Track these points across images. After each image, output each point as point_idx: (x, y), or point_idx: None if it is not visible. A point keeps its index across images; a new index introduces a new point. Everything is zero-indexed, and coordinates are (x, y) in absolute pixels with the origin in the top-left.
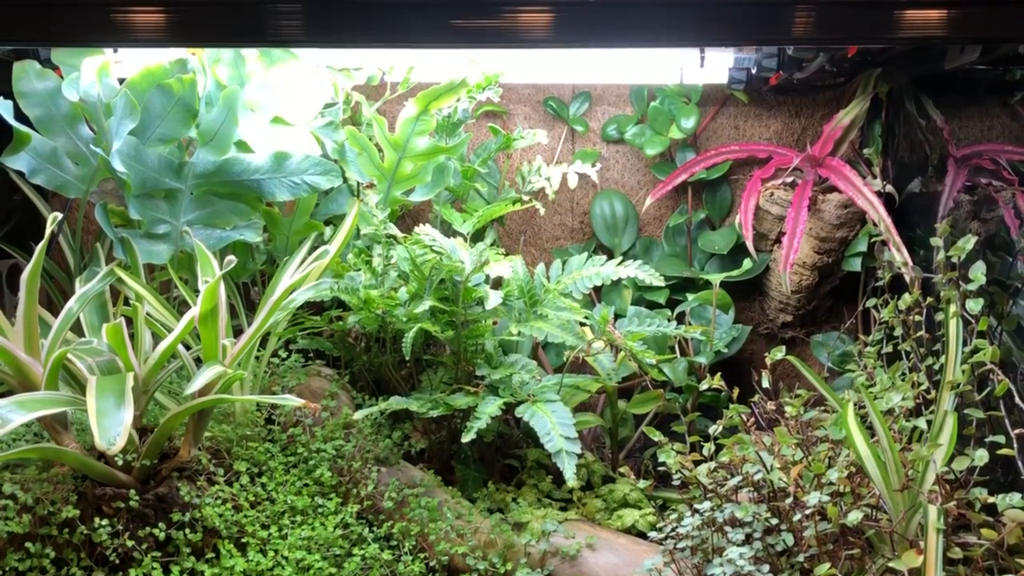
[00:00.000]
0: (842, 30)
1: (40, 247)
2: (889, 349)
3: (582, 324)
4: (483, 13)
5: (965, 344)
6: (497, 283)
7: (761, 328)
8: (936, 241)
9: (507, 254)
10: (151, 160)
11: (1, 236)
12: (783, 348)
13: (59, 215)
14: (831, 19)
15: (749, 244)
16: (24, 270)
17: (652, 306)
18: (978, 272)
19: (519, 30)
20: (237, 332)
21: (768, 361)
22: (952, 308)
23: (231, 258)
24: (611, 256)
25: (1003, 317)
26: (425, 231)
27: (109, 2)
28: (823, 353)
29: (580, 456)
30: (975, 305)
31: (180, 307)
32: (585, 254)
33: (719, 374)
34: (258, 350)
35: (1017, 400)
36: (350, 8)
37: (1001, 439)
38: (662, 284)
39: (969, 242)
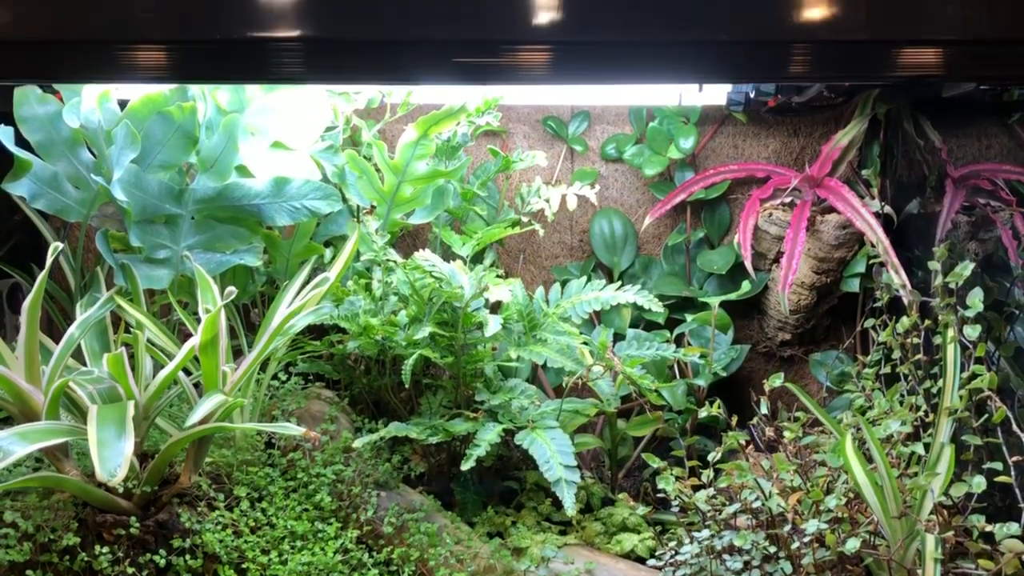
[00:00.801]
0: (840, 68)
1: (41, 277)
2: (887, 370)
3: (584, 343)
4: (484, 52)
5: (963, 369)
6: (496, 305)
7: (760, 346)
8: (934, 265)
9: (507, 274)
10: (152, 187)
11: (1, 256)
12: (781, 375)
13: (60, 245)
14: (829, 57)
15: (748, 264)
16: (25, 299)
17: (651, 326)
18: (976, 299)
19: (519, 68)
20: (237, 353)
21: (767, 387)
22: (950, 333)
23: (231, 289)
24: (610, 274)
25: (1001, 343)
26: (424, 256)
27: (112, 41)
28: (822, 372)
29: (580, 478)
30: (972, 332)
31: (180, 328)
32: (584, 278)
33: (718, 402)
34: (258, 373)
35: (1015, 427)
36: (350, 47)
37: (999, 466)
38: (661, 310)
39: (967, 268)
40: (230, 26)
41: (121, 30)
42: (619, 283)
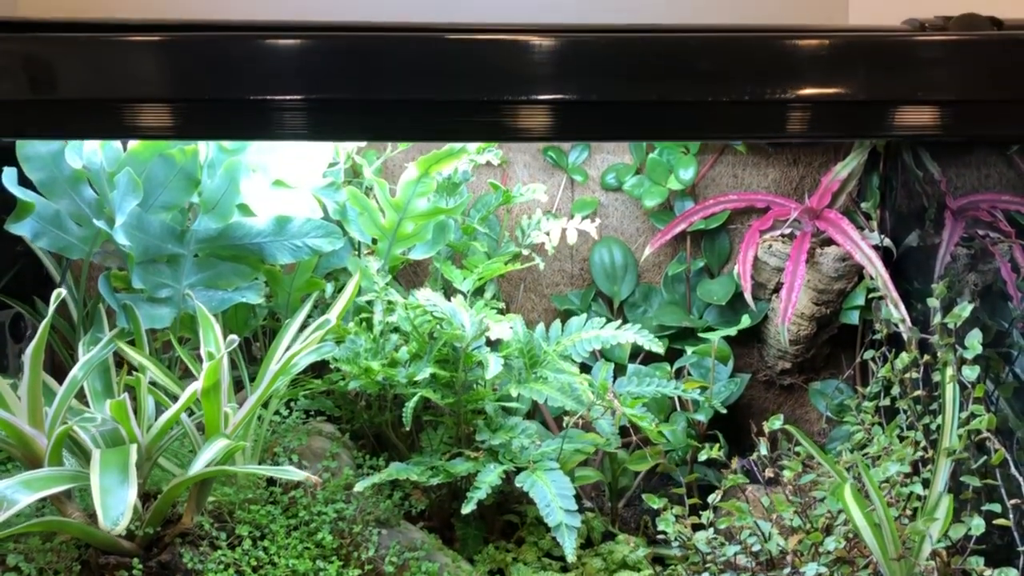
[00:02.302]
0: (837, 127)
1: (44, 324)
2: (887, 402)
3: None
4: (484, 111)
5: (962, 409)
6: (497, 340)
7: (760, 375)
8: (933, 302)
9: (507, 303)
10: (154, 228)
11: (4, 286)
12: (781, 417)
13: (63, 291)
14: (826, 117)
15: (747, 296)
16: (29, 345)
17: (652, 356)
18: (974, 341)
19: (519, 126)
20: (238, 384)
21: (766, 428)
22: (948, 372)
23: (233, 338)
24: (611, 303)
25: (1000, 382)
26: (426, 296)
27: (115, 99)
28: (821, 402)
29: (580, 522)
30: (971, 372)
31: (180, 362)
32: (584, 316)
33: (717, 444)
34: (260, 409)
35: (1013, 470)
36: (351, 106)
37: (997, 508)
38: (661, 350)
39: (965, 310)
40: (231, 86)
41: (123, 88)
42: (619, 321)
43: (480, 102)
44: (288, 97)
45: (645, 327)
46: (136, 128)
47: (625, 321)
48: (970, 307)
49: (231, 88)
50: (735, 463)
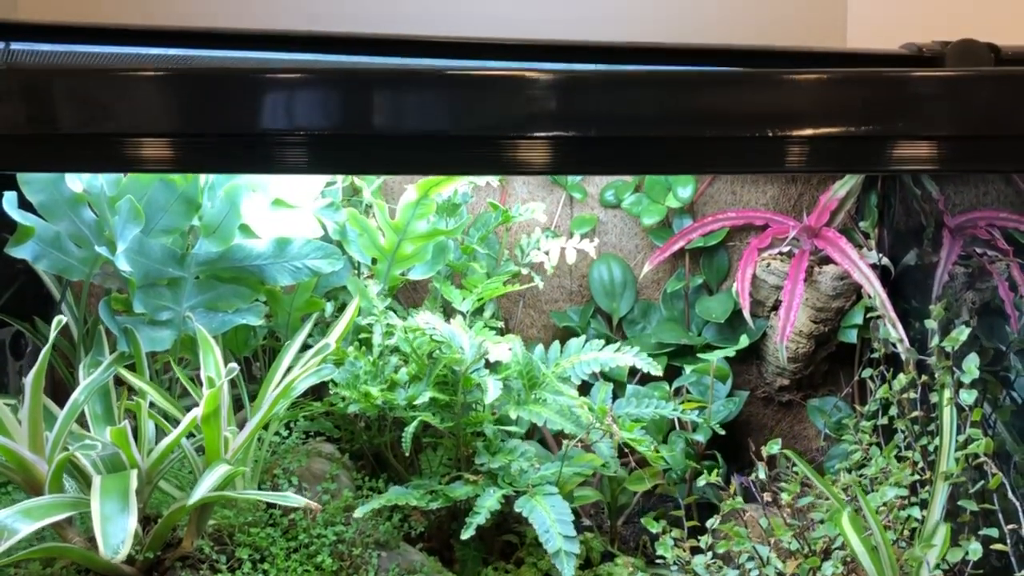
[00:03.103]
0: (834, 161)
1: (45, 351)
2: (885, 421)
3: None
4: (484, 145)
5: (959, 432)
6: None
7: (758, 391)
8: (930, 324)
9: (507, 321)
10: (154, 252)
11: (3, 304)
12: (779, 441)
13: (63, 318)
14: (824, 152)
15: (746, 314)
16: (29, 374)
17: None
18: (971, 365)
19: (518, 161)
20: (237, 403)
21: (764, 453)
22: (946, 395)
23: (233, 366)
24: (610, 320)
25: (997, 405)
26: (425, 320)
27: (118, 133)
28: (819, 419)
29: (578, 547)
30: (969, 397)
31: (181, 384)
32: (583, 337)
33: (716, 470)
34: (260, 431)
35: (1010, 495)
36: (353, 141)
37: (995, 532)
38: (660, 373)
39: (963, 333)
40: (233, 120)
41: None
42: (618, 344)
43: (480, 137)
44: (290, 131)
45: (644, 344)
46: (137, 162)
47: (624, 338)
48: (967, 331)
49: (233, 122)
50: (734, 482)
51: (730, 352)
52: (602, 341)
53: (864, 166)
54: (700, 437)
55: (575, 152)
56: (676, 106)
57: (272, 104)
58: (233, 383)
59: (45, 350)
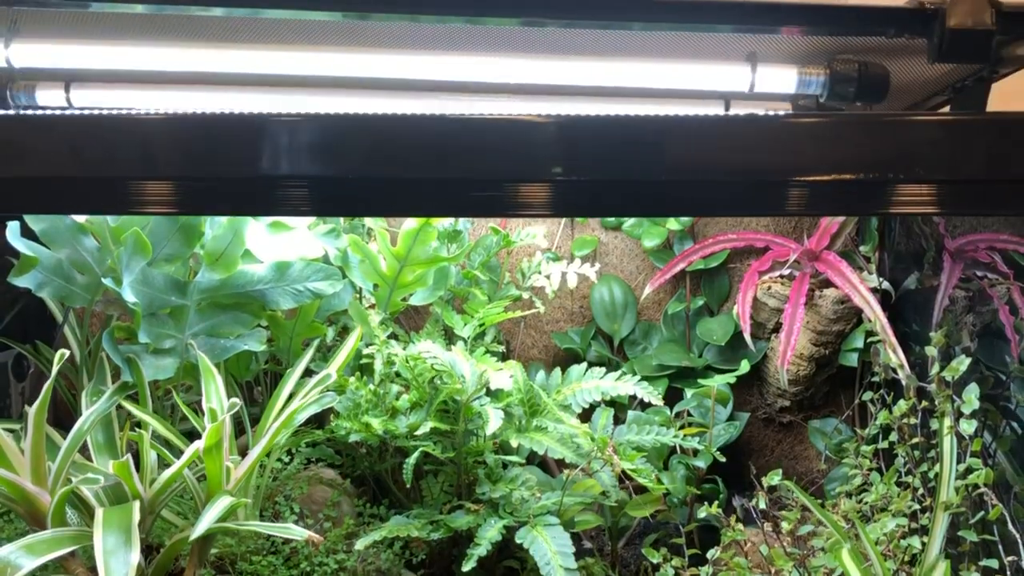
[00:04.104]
0: (833, 205)
1: (48, 385)
2: (885, 444)
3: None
4: (484, 189)
5: (959, 460)
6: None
7: (759, 412)
8: (931, 351)
9: (508, 342)
10: (158, 281)
11: (6, 325)
12: (779, 472)
13: (66, 352)
14: (822, 196)
15: (747, 337)
16: (32, 407)
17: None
18: (971, 396)
19: (519, 203)
20: (238, 426)
21: (764, 484)
22: (946, 423)
23: (235, 400)
24: (611, 341)
25: (997, 435)
26: (426, 348)
27: (120, 177)
28: (820, 440)
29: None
30: (968, 427)
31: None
32: (584, 365)
33: (716, 503)
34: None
35: (1010, 526)
36: (353, 185)
37: (995, 563)
38: (660, 403)
39: (963, 363)
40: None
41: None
42: (619, 372)
43: (479, 181)
44: (291, 175)
45: (645, 365)
46: (140, 204)
47: (625, 358)
48: (967, 361)
49: (235, 167)
50: (735, 505)
51: (731, 379)
52: (603, 369)
53: (863, 209)
54: (701, 463)
55: (574, 195)
56: (673, 152)
57: (272, 149)
58: None
59: (48, 384)
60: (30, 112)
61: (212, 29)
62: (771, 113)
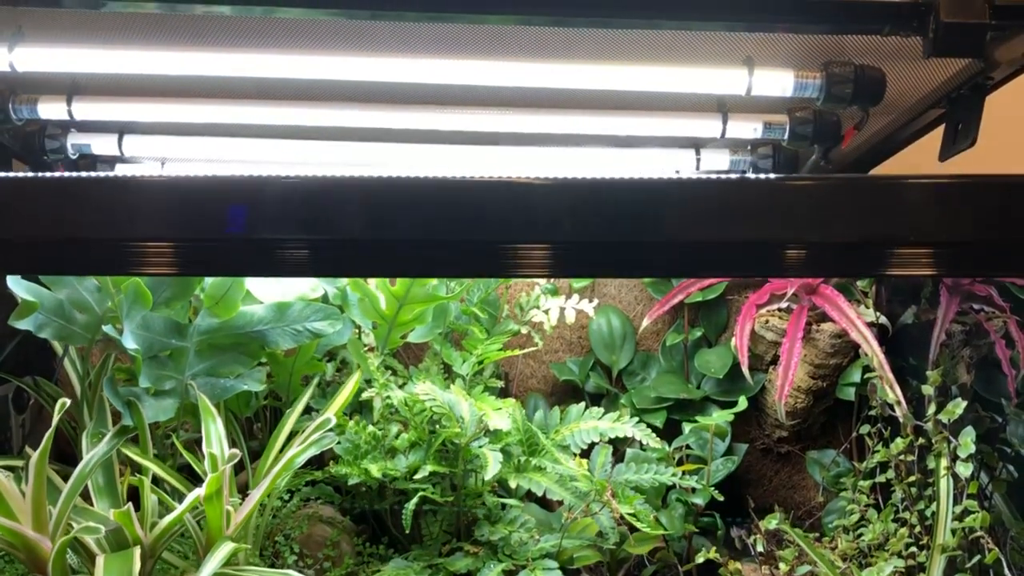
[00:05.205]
0: (832, 266)
1: (48, 434)
2: (882, 479)
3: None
4: (483, 251)
5: (956, 501)
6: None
7: (757, 443)
8: (927, 390)
9: (507, 374)
10: (158, 325)
11: (6, 358)
12: (777, 516)
13: (67, 401)
14: (821, 257)
15: (744, 370)
16: (33, 456)
17: (648, 429)
18: (967, 439)
19: (519, 263)
20: (237, 464)
21: (762, 527)
22: (943, 464)
23: (235, 451)
24: (609, 372)
25: (994, 476)
26: (424, 390)
27: (122, 238)
28: (817, 471)
29: None
30: (965, 470)
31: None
32: (583, 404)
33: (714, 548)
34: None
35: (1006, 570)
36: (353, 247)
37: None
38: (659, 446)
39: (959, 407)
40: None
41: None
42: (618, 414)
43: (477, 242)
44: (291, 237)
45: (643, 397)
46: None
47: (624, 389)
48: (963, 404)
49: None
50: (733, 538)
51: (728, 416)
52: (602, 409)
53: (858, 271)
54: (699, 499)
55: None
56: (670, 213)
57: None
58: (233, 442)
59: (49, 433)
60: (23, 175)
61: (212, 34)
62: (769, 177)
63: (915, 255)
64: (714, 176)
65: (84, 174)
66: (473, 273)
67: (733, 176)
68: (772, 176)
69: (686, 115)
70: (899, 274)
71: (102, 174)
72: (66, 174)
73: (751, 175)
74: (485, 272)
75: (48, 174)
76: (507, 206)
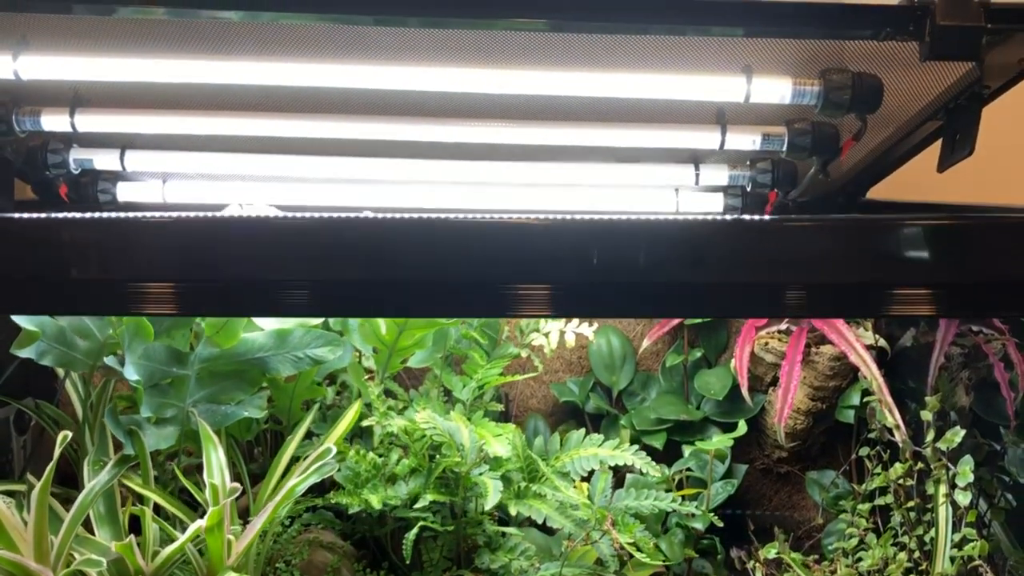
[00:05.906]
0: (833, 307)
1: (49, 469)
2: (882, 503)
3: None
4: (483, 291)
5: (955, 528)
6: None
7: (757, 463)
8: (926, 415)
9: (507, 395)
10: (159, 354)
11: (7, 380)
12: (776, 546)
13: (69, 434)
14: (821, 298)
15: (744, 392)
16: (35, 490)
17: (648, 450)
18: (966, 468)
19: (519, 303)
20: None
21: (761, 556)
22: (942, 490)
23: (236, 485)
24: (609, 393)
25: (993, 503)
26: (424, 418)
27: (123, 279)
28: (817, 492)
29: None
30: (964, 498)
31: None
32: (583, 431)
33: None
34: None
35: None
36: (353, 288)
37: None
38: (658, 474)
39: (957, 435)
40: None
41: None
42: (618, 440)
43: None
44: (290, 278)
45: (643, 418)
46: (141, 307)
47: (624, 410)
48: (962, 432)
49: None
50: (732, 559)
51: (728, 441)
52: (602, 436)
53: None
54: (699, 524)
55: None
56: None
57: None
58: (234, 465)
59: (51, 466)
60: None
61: (219, 44)
62: (767, 218)
63: (913, 296)
64: (712, 217)
65: (79, 215)
66: (477, 314)
67: (728, 218)
68: (768, 218)
69: (685, 127)
70: (899, 315)
71: (97, 214)
72: (61, 215)
73: (747, 216)
74: (486, 313)
75: (43, 214)
76: (507, 246)
